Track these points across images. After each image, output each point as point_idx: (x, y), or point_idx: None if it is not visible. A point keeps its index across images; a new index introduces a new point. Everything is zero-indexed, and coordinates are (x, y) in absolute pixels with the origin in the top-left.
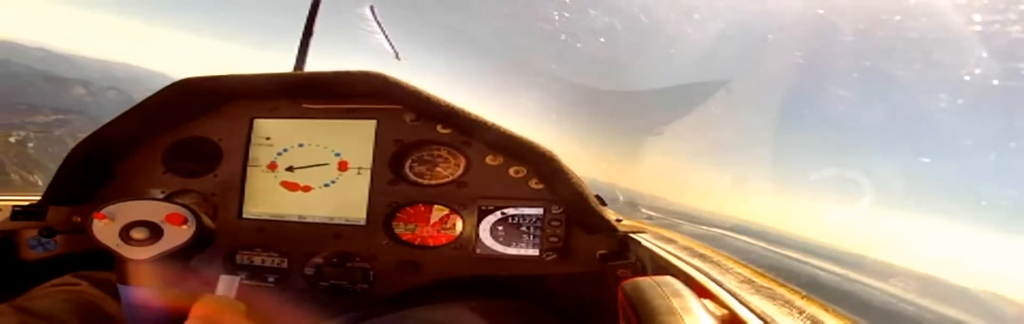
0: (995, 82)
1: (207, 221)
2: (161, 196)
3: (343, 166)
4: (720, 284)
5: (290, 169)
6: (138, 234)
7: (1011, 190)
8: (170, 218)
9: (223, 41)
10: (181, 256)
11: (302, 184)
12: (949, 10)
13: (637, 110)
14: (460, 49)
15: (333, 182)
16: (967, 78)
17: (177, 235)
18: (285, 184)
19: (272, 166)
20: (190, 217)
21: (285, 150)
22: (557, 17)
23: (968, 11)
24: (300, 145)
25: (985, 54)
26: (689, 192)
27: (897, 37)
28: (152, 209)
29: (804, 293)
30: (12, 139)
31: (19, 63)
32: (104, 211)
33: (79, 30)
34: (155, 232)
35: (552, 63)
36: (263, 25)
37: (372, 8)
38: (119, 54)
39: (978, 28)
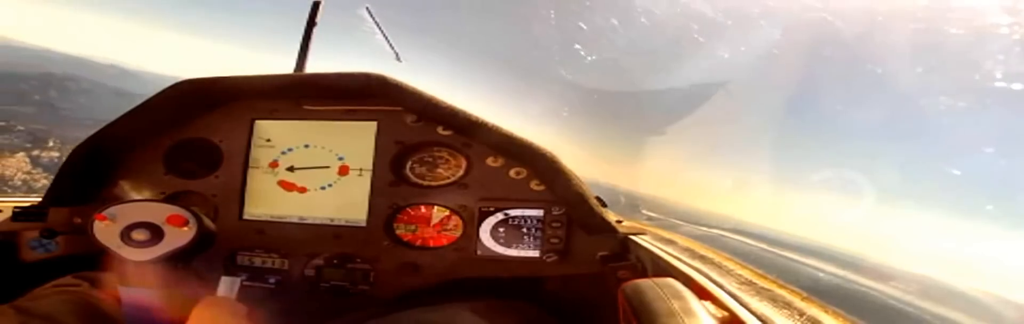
0: (1018, 86)
1: (208, 222)
2: (162, 197)
3: (344, 170)
4: (721, 286)
5: (291, 169)
6: (139, 235)
7: (1020, 195)
8: (171, 219)
9: (274, 54)
10: (182, 257)
11: (299, 185)
12: (953, 13)
13: (640, 111)
14: (461, 50)
15: (330, 186)
16: (1001, 84)
17: (178, 236)
18: (282, 183)
19: (273, 164)
20: (191, 218)
21: (290, 150)
22: (556, 18)
23: (973, 13)
24: (305, 146)
25: (1000, 56)
26: (691, 193)
27: (899, 40)
28: (153, 210)
29: (805, 295)
30: None
31: (91, 80)
32: (105, 212)
33: (150, 47)
34: (156, 233)
35: (554, 64)
36: (281, 29)
37: (374, 10)
38: (187, 70)
39: (984, 30)
